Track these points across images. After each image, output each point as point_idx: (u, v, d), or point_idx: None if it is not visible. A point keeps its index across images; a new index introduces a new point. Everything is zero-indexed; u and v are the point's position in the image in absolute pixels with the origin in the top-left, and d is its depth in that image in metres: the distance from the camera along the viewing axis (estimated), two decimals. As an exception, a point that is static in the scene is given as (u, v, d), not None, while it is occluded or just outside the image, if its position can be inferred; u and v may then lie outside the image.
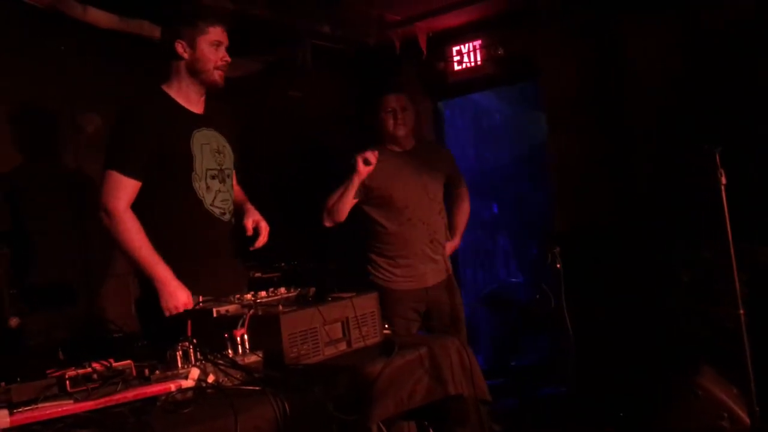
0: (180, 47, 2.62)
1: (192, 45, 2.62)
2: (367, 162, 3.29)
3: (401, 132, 3.58)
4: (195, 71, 2.65)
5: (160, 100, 2.65)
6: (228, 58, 2.68)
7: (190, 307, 2.44)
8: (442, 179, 3.71)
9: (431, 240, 3.56)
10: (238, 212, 2.83)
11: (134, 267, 2.54)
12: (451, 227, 3.77)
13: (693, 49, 4.14)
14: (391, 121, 3.57)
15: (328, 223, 3.43)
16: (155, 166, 2.56)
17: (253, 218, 2.77)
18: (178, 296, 2.48)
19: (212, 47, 2.63)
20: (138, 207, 2.55)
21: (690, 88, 4.10)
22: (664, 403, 3.34)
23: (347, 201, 3.38)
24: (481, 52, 5.13)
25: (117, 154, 2.54)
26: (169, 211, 2.62)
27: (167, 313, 2.46)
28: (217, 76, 2.66)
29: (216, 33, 2.63)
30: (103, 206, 2.50)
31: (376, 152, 3.30)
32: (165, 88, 2.68)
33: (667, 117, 4.22)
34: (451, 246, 3.75)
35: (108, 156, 2.55)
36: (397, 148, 3.62)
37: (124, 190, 2.51)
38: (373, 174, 3.43)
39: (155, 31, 3.74)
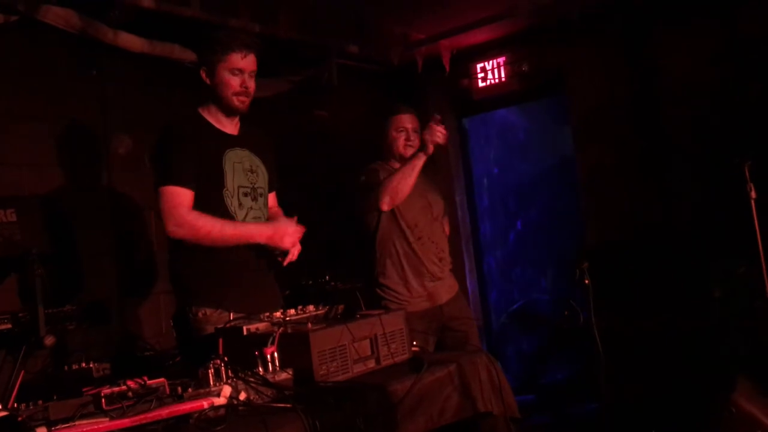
0: (203, 74, 2.68)
1: (212, 72, 2.65)
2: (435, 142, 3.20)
3: (410, 153, 3.49)
4: (216, 97, 2.69)
5: (194, 121, 2.71)
6: (249, 85, 2.67)
7: (300, 232, 2.62)
8: (443, 199, 3.71)
9: (440, 259, 3.54)
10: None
11: (237, 244, 2.62)
12: None
13: (728, 60, 4.09)
14: (402, 141, 3.51)
15: (386, 207, 3.34)
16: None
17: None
18: (283, 233, 2.62)
19: (231, 74, 2.64)
20: None
21: (725, 101, 4.06)
22: (697, 420, 3.29)
23: (413, 181, 3.30)
24: (505, 69, 5.15)
25: (165, 170, 2.58)
26: None
27: (290, 247, 2.65)
28: (236, 102, 2.67)
29: (235, 60, 2.63)
30: (169, 223, 2.53)
31: (445, 132, 3.20)
32: (200, 109, 2.74)
33: (702, 130, 4.17)
34: None
35: (157, 175, 2.59)
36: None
37: (179, 198, 2.55)
38: None
39: (185, 54, 3.82)
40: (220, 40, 2.65)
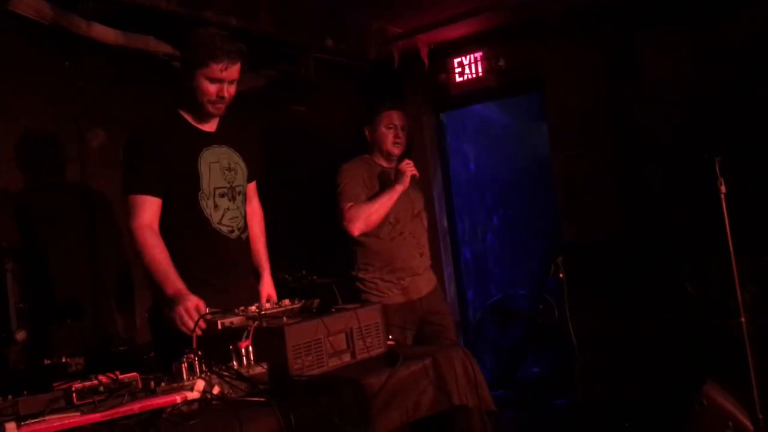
0: (182, 72, 2.62)
1: (190, 75, 2.56)
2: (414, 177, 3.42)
3: (397, 151, 3.58)
4: (192, 98, 2.61)
5: (169, 121, 2.66)
6: (227, 93, 2.58)
7: (198, 314, 2.40)
8: (422, 195, 3.77)
9: (420, 254, 3.58)
10: (255, 273, 2.89)
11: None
12: None
13: (708, 63, 4.13)
14: (390, 137, 3.55)
15: (357, 233, 3.39)
16: (164, 187, 2.58)
17: (268, 293, 2.88)
18: (184, 311, 2.40)
19: (209, 82, 2.54)
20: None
21: (704, 102, 4.10)
22: (669, 413, 3.33)
23: (386, 211, 3.40)
24: (482, 64, 5.16)
25: (129, 178, 2.58)
26: (178, 231, 2.62)
27: (182, 329, 2.37)
28: (210, 108, 2.61)
29: (215, 70, 2.51)
30: (129, 230, 2.53)
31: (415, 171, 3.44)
32: (179, 106, 2.68)
33: (679, 129, 4.21)
34: None
35: (123, 183, 2.59)
36: (384, 164, 3.61)
37: (141, 208, 2.53)
38: (365, 187, 3.47)
39: (160, 47, 3.78)
40: (202, 46, 2.53)
